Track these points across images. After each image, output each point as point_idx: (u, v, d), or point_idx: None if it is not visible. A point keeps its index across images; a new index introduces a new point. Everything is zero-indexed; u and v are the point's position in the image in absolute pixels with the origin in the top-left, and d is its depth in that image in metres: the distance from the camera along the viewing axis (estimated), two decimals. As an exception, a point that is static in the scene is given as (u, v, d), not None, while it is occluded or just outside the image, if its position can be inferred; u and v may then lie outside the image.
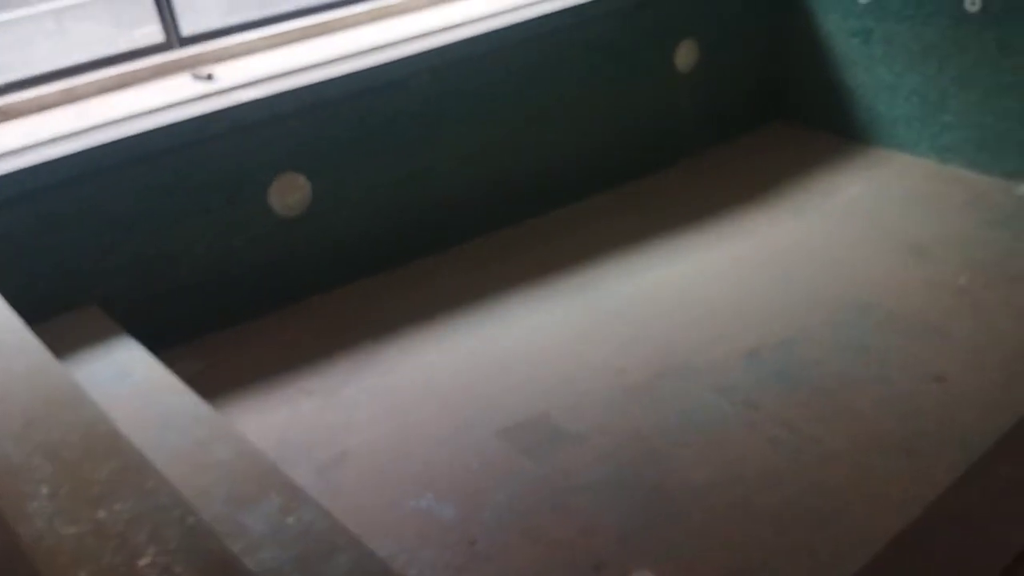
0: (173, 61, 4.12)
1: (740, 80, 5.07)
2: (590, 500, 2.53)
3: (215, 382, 3.28)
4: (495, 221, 4.30)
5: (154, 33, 4.23)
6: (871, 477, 2.50)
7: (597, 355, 3.20)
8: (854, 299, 3.36)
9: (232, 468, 2.23)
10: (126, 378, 2.75)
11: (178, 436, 2.40)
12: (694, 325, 3.32)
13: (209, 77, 3.90)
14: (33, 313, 3.11)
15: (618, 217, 4.29)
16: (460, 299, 3.68)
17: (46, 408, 2.02)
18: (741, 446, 2.67)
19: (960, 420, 2.68)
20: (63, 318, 3.21)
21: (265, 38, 4.34)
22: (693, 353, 3.15)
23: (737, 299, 3.47)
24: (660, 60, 4.70)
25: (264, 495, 2.11)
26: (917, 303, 3.30)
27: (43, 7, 5.04)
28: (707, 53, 4.82)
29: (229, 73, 3.96)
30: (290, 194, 3.74)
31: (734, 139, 5.01)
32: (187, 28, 4.23)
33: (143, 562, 1.54)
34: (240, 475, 2.20)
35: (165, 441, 2.39)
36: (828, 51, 4.79)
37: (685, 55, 4.76)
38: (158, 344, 3.41)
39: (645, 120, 4.74)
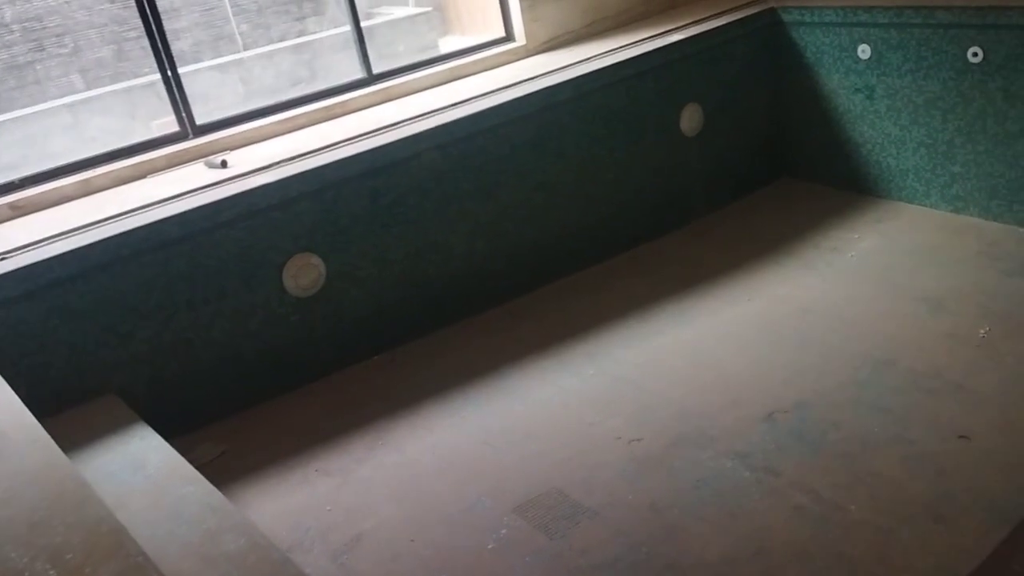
0: (188, 150, 4.24)
1: (745, 140, 5.12)
2: (607, 579, 2.47)
3: (233, 467, 3.29)
4: (506, 291, 4.33)
5: (169, 124, 4.37)
6: (899, 547, 2.42)
7: (609, 425, 3.16)
8: (871, 357, 3.31)
9: (242, 561, 2.20)
10: (140, 469, 2.75)
11: (189, 528, 2.39)
12: (707, 390, 3.28)
13: (223, 164, 4.00)
14: (50, 404, 3.18)
15: (628, 281, 4.29)
16: (472, 371, 3.67)
17: (51, 509, 2.02)
18: (762, 516, 2.61)
19: (988, 481, 2.60)
20: (80, 408, 3.24)
21: (278, 123, 4.47)
22: (708, 419, 3.10)
23: (750, 362, 3.43)
24: (665, 125, 4.76)
25: (273, 588, 2.08)
26: (936, 358, 3.24)
27: (59, 101, 5.22)
28: (711, 116, 4.88)
29: (243, 159, 4.07)
30: (304, 274, 3.79)
31: (743, 198, 5.03)
32: (202, 117, 4.37)
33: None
34: (250, 569, 2.17)
35: (176, 534, 2.38)
36: (832, 108, 4.83)
37: (689, 119, 4.82)
38: (177, 429, 3.43)
39: (652, 184, 4.78)
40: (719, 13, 5.12)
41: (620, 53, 4.78)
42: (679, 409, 3.19)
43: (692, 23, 5.08)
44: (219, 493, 2.56)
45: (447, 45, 6.12)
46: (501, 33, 5.31)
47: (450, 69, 5.01)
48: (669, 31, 5.03)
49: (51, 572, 1.79)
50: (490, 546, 2.65)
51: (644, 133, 4.69)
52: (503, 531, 2.70)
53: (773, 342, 3.54)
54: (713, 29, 4.89)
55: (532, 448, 3.11)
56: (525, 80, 4.58)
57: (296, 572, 2.12)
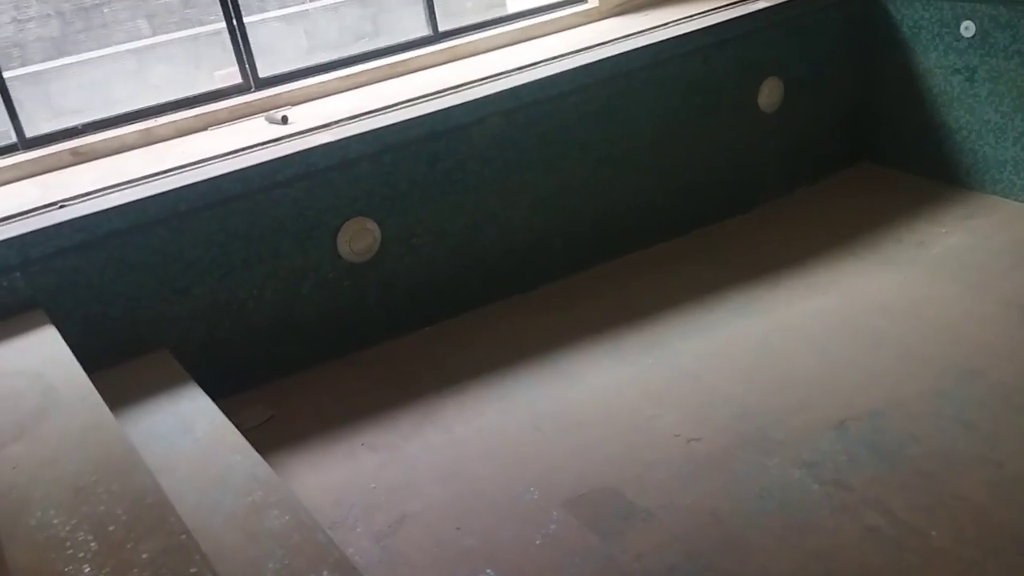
0: (250, 103, 4.15)
1: (827, 119, 4.83)
2: (661, 587, 2.35)
3: (280, 432, 3.24)
4: (564, 267, 4.18)
5: (232, 75, 4.29)
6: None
7: (668, 420, 3.02)
8: (955, 365, 3.09)
9: (286, 539, 2.14)
10: (188, 432, 2.71)
11: (234, 499, 2.34)
12: (774, 389, 3.11)
13: (284, 120, 3.90)
14: (104, 356, 3.15)
15: (692, 265, 4.10)
16: (525, 350, 3.56)
17: (97, 475, 1.98)
18: (832, 534, 2.44)
19: (1082, 512, 2.40)
20: (133, 362, 3.22)
21: (340, 79, 4.34)
22: (773, 422, 2.93)
23: (821, 361, 3.24)
24: (742, 99, 4.51)
25: (316, 572, 2.01)
26: (1027, 371, 3.01)
27: (125, 46, 5.17)
28: (792, 91, 4.61)
29: (303, 116, 3.97)
30: (359, 239, 3.70)
31: (819, 182, 4.77)
32: (265, 70, 4.27)
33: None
34: (293, 547, 2.11)
35: (221, 504, 2.33)
36: (925, 89, 4.51)
37: (769, 94, 4.56)
38: (225, 389, 3.39)
39: (725, 162, 4.55)
40: (810, -19, 4.81)
41: (699, 20, 4.52)
42: (741, 408, 3.03)
43: (780, -10, 4.79)
44: (266, 464, 2.50)
45: (515, 3, 5.91)
46: (575, -8, 5.08)
47: (518, 29, 4.82)
48: (754, -2, 4.75)
49: (92, 544, 1.74)
50: (537, 541, 2.55)
51: (719, 106, 4.45)
52: (552, 526, 2.60)
53: (847, 341, 3.34)
54: (802, -3, 4.60)
55: (584, 438, 2.99)
56: (597, 45, 4.37)
57: (340, 557, 2.05)
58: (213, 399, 3.08)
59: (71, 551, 1.71)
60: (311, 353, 3.69)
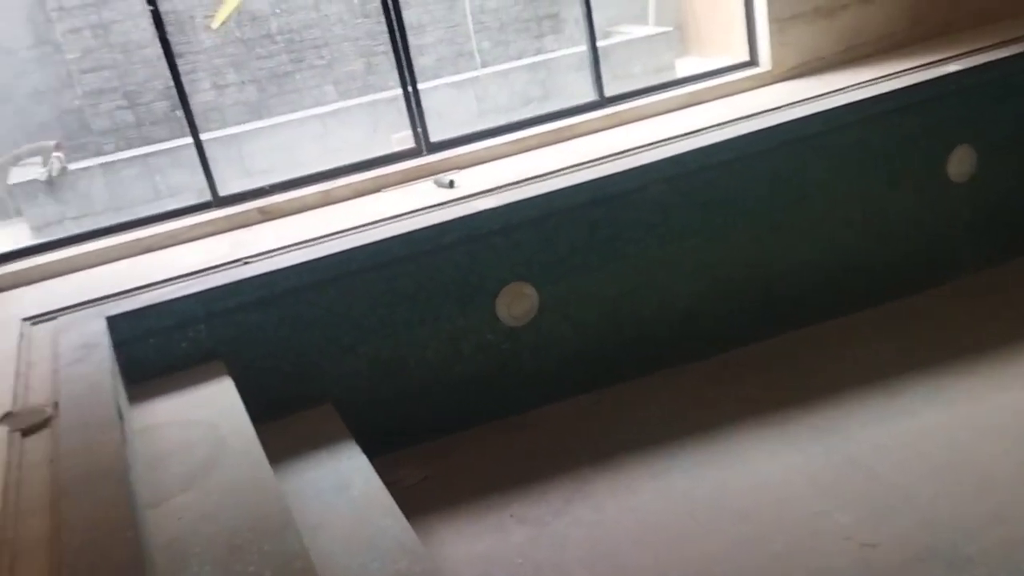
0: (421, 166, 4.33)
1: (1028, 189, 4.41)
2: None
3: (433, 493, 3.27)
4: (727, 340, 4.00)
5: (407, 138, 4.50)
6: None
7: (837, 520, 2.77)
8: None
9: (429, 616, 2.12)
10: (344, 491, 2.77)
11: (381, 566, 2.35)
12: (965, 495, 2.78)
13: (451, 184, 4.03)
14: (272, 409, 3.31)
15: (872, 343, 3.80)
16: (682, 429, 3.40)
17: (253, 532, 2.04)
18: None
19: None
20: (299, 415, 3.35)
21: (507, 144, 4.46)
22: (964, 533, 2.61)
23: (1022, 467, 2.87)
24: (929, 168, 4.21)
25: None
26: None
27: (311, 111, 5.55)
28: (987, 159, 4.25)
29: (470, 179, 4.08)
30: (517, 303, 3.72)
31: (1019, 257, 4.32)
32: (437, 133, 4.45)
33: None
34: (436, 626, 2.08)
35: (368, 569, 2.35)
36: None
37: (959, 162, 4.23)
38: (383, 446, 3.47)
39: (910, 233, 4.24)
40: (1006, 42, 4.46)
41: (881, 84, 4.28)
42: (927, 515, 2.72)
43: (971, 52, 4.46)
44: (412, 532, 2.50)
45: (685, 67, 5.86)
46: (745, 57, 4.97)
47: (686, 94, 4.76)
48: (942, 61, 4.45)
49: (241, 610, 1.78)
50: (690, 643, 2.40)
51: (904, 175, 4.17)
52: (706, 627, 2.43)
53: (1054, 445, 2.96)
54: (998, 60, 4.25)
55: (744, 532, 2.79)
56: (768, 111, 4.23)
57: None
58: (371, 455, 3.15)
59: (224, 613, 1.77)
60: (467, 414, 3.71)
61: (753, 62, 4.96)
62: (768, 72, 4.86)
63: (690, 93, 4.76)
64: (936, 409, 3.26)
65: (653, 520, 2.93)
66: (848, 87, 4.36)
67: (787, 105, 4.25)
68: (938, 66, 4.37)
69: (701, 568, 2.66)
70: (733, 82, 4.84)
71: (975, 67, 4.20)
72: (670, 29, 6.47)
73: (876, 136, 4.08)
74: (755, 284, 4.02)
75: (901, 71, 4.43)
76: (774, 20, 4.74)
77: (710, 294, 3.96)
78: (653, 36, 6.48)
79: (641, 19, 7.07)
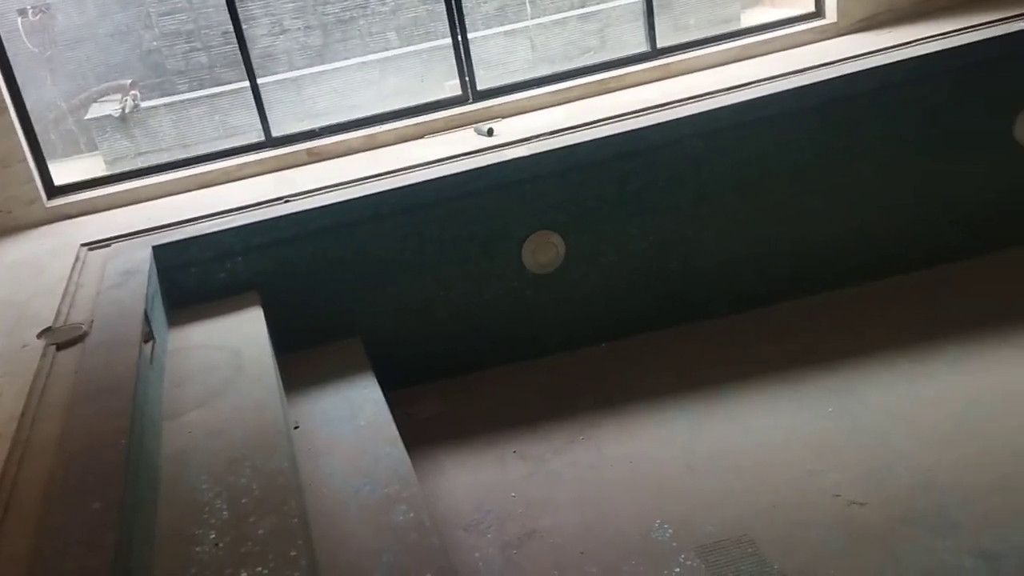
0: (465, 114, 4.41)
1: (1102, 156, 4.14)
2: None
3: (446, 427, 3.43)
4: (754, 298, 3.97)
5: (458, 86, 4.57)
6: None
7: (831, 478, 2.78)
8: None
9: (404, 536, 2.28)
10: (353, 419, 2.95)
11: (372, 489, 2.52)
12: (967, 464, 2.74)
13: (489, 132, 4.09)
14: (301, 340, 3.52)
15: (905, 307, 3.71)
16: (695, 381, 3.44)
17: (248, 450, 2.24)
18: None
19: None
20: (326, 348, 3.54)
21: (552, 94, 4.47)
22: (957, 499, 2.59)
23: (1036, 438, 2.81)
24: (992, 129, 4.00)
25: (418, 574, 2.13)
26: None
27: (370, 57, 5.68)
28: (1057, 123, 4.01)
29: (509, 128, 4.13)
30: (543, 251, 3.79)
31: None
32: (490, 81, 4.50)
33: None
34: (409, 546, 2.24)
35: (360, 492, 2.52)
36: None
37: (1026, 125, 4.01)
38: (406, 380, 3.66)
39: (967, 198, 4.08)
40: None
41: (949, 39, 4.07)
42: (923, 480, 2.70)
43: (1055, 6, 4.18)
44: (409, 461, 2.66)
45: (753, 18, 5.67)
46: (811, 7, 4.79)
47: (743, 46, 4.64)
48: (1021, 15, 4.18)
49: (224, 513, 1.98)
50: (659, 583, 2.49)
51: (964, 137, 3.98)
52: (676, 569, 2.51)
53: (1074, 419, 2.86)
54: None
55: (736, 484, 2.84)
56: (818, 66, 4.09)
57: (445, 564, 2.15)
58: (394, 388, 3.33)
59: (206, 516, 1.97)
60: (487, 356, 3.85)
61: (818, 13, 4.78)
62: (833, 24, 4.67)
63: (744, 46, 4.64)
64: (958, 375, 3.19)
65: (649, 467, 3.00)
66: (913, 41, 4.16)
67: (839, 60, 4.10)
68: (1016, 20, 4.11)
69: (686, 512, 2.73)
70: (793, 34, 4.69)
71: (1052, 23, 3.95)
72: (738, -23, 6.23)
73: (937, 95, 3.90)
74: (786, 243, 3.96)
75: (975, 25, 4.18)
76: (843, -32, 4.55)
77: (739, 252, 3.94)
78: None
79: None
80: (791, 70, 4.10)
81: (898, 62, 3.89)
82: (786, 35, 4.68)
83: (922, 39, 4.15)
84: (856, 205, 3.98)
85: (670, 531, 2.67)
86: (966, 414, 3.00)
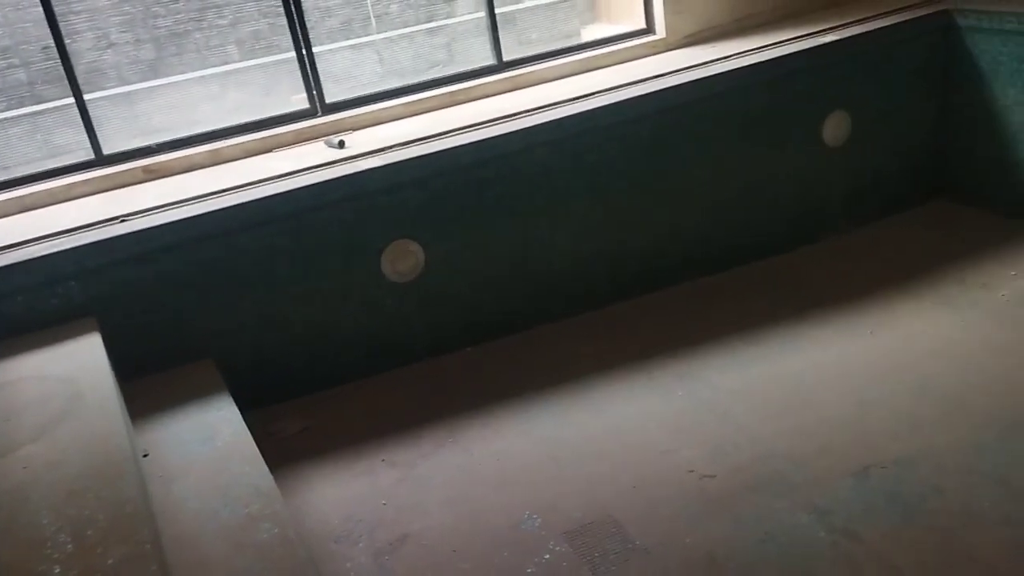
0: (315, 127, 4.35)
1: (899, 155, 4.63)
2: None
3: (312, 443, 3.35)
4: (609, 296, 4.15)
5: (304, 99, 4.50)
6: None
7: (684, 455, 2.95)
8: (1000, 418, 2.88)
9: (269, 552, 2.21)
10: (209, 441, 2.84)
11: (232, 509, 2.43)
12: (801, 431, 2.98)
13: (340, 144, 4.06)
14: (150, 364, 3.35)
15: (744, 298, 3.99)
16: (556, 378, 3.55)
17: (92, 479, 2.10)
18: (831, 586, 2.33)
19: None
20: (177, 371, 3.38)
21: (404, 106, 4.50)
22: (793, 464, 2.82)
23: (858, 405, 3.09)
24: (804, 133, 4.39)
25: (290, 585, 2.07)
26: (1084, 430, 2.78)
27: (209, 71, 5.48)
28: (860, 126, 4.45)
29: (361, 140, 4.11)
30: (402, 260, 3.79)
31: (888, 219, 4.56)
32: (340, 95, 4.46)
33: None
34: (275, 561, 2.18)
35: (219, 514, 2.43)
36: (1005, 125, 4.26)
37: (834, 127, 4.41)
38: (266, 399, 3.55)
39: (786, 195, 4.43)
40: (885, 13, 4.64)
41: (763, 53, 4.43)
42: (765, 449, 2.92)
43: (853, 22, 4.63)
44: (271, 477, 2.59)
45: (591, 34, 5.93)
46: (643, 24, 5.08)
47: (583, 60, 4.85)
48: (824, 31, 4.61)
49: (69, 546, 1.85)
50: (530, 570, 2.54)
51: (781, 141, 4.34)
52: (546, 556, 2.57)
53: (888, 386, 3.17)
54: (875, 31, 4.44)
55: (598, 469, 2.95)
56: (649, 78, 4.34)
57: (313, 574, 2.10)
58: (253, 408, 3.22)
59: (49, 551, 1.83)
60: (351, 368, 3.80)
61: (649, 30, 5.07)
62: (662, 40, 4.96)
63: (585, 59, 4.85)
64: (789, 356, 3.46)
65: (516, 462, 3.06)
66: (732, 55, 4.49)
67: (668, 72, 4.37)
68: (819, 36, 4.53)
69: (551, 501, 2.81)
70: (628, 49, 4.94)
71: (853, 36, 4.37)
72: (578, -5, 6.52)
73: (755, 103, 4.23)
74: (634, 243, 4.16)
75: (785, 40, 4.57)
76: (669, -11, 4.85)
77: (592, 252, 4.10)
78: (558, 2, 6.53)
79: (553, -15, 7.10)
80: (627, 81, 4.33)
81: (720, 74, 4.19)
82: (621, 49, 4.94)
83: (741, 52, 4.50)
84: (694, 205, 4.25)
85: (539, 520, 2.73)
86: (798, 388, 3.26)
